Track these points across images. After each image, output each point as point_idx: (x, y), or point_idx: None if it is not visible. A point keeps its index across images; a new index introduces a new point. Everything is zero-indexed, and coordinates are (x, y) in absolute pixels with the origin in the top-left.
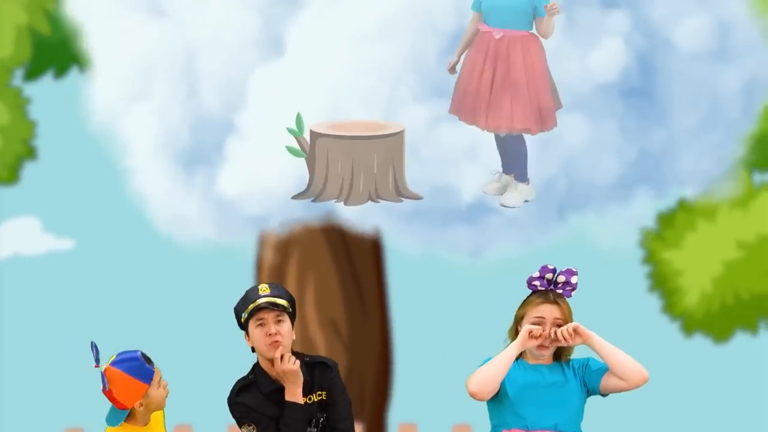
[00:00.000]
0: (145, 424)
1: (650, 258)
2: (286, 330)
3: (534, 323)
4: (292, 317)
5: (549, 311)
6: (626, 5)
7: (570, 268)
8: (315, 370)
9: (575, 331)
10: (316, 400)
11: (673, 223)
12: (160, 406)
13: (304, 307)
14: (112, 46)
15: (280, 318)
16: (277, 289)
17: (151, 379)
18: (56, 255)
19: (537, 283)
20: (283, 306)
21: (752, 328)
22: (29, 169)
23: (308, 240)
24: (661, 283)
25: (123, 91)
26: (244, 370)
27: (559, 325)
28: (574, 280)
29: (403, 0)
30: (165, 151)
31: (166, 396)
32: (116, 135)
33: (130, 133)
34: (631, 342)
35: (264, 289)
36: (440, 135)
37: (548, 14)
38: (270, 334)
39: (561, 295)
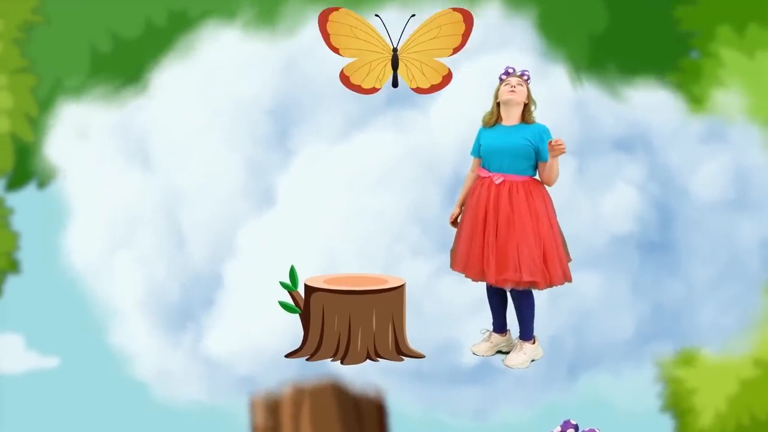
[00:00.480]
0: None
1: (663, 376)
2: None
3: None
4: None
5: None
6: (641, 151)
7: (594, 428)
8: None
9: None
10: None
11: None
12: None
13: None
14: (92, 194)
15: None
16: None
17: None
18: (40, 373)
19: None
20: None
21: None
22: (12, 283)
23: (306, 399)
24: (675, 402)
25: (105, 241)
26: None
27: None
28: None
29: (400, 147)
30: (150, 305)
31: None
32: (99, 288)
33: (113, 286)
34: None
35: None
36: (442, 290)
37: (552, 154)
38: None
39: None
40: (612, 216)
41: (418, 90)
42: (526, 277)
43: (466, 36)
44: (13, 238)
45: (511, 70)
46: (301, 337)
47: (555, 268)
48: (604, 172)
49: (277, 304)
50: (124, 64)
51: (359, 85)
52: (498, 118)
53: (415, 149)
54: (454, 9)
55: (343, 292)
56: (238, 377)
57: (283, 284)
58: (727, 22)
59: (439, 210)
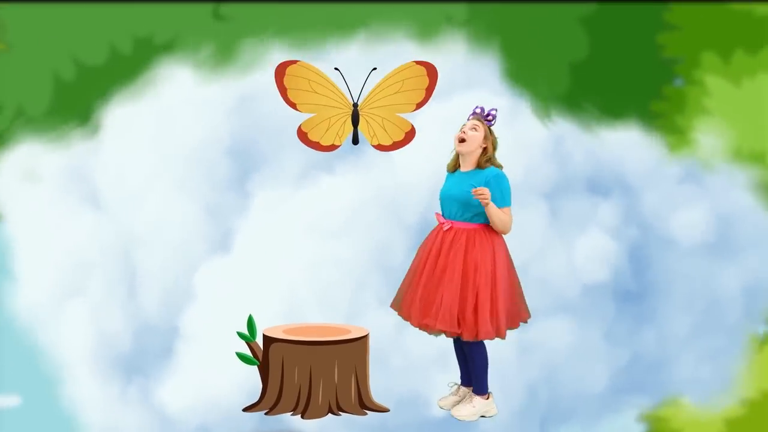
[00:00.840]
0: None
1: (647, 416)
2: None
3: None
4: None
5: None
6: (617, 194)
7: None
8: None
9: None
10: None
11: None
12: None
13: None
14: (41, 238)
15: None
16: None
17: None
18: (1, 413)
19: None
20: None
21: None
22: None
23: None
24: None
25: (53, 289)
26: None
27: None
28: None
29: (365, 189)
30: (100, 356)
31: None
32: (45, 339)
33: (61, 335)
34: None
35: None
36: (408, 340)
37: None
38: None
39: None
40: (586, 262)
41: (380, 147)
42: (439, 326)
43: (429, 90)
44: None
45: (478, 111)
46: (260, 390)
47: (485, 322)
48: (579, 216)
49: (235, 355)
50: (86, 95)
51: (317, 142)
52: (457, 163)
53: (380, 192)
54: (418, 62)
55: (303, 343)
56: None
57: (240, 334)
58: (712, 49)
59: (405, 256)
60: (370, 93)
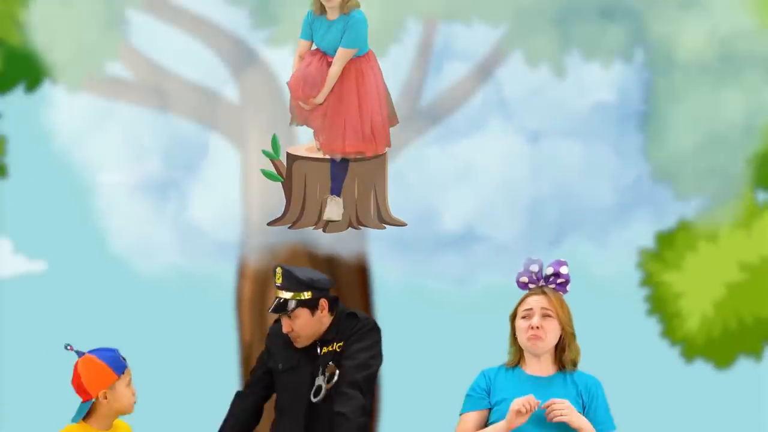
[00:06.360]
0: (107, 429)
1: (649, 280)
2: (299, 324)
3: (523, 316)
4: (312, 302)
5: (536, 301)
6: (624, 17)
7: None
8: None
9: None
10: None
11: (672, 243)
12: (125, 410)
13: None
14: (78, 60)
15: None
16: (287, 280)
17: (123, 372)
18: (28, 277)
19: (525, 278)
20: (287, 307)
21: (756, 353)
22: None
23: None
24: (661, 306)
25: (90, 107)
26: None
27: (547, 315)
28: (564, 270)
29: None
30: (132, 173)
31: (134, 403)
32: (83, 155)
33: (96, 152)
34: (630, 368)
35: (278, 277)
36: (426, 159)
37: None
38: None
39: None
40: (593, 83)
41: None
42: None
43: None
44: (0, 142)
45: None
46: (284, 205)
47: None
48: (587, 39)
49: (260, 172)
50: None
51: None
52: None
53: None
54: None
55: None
56: (220, 244)
57: (265, 152)
58: None
59: (428, 76)
60: None
